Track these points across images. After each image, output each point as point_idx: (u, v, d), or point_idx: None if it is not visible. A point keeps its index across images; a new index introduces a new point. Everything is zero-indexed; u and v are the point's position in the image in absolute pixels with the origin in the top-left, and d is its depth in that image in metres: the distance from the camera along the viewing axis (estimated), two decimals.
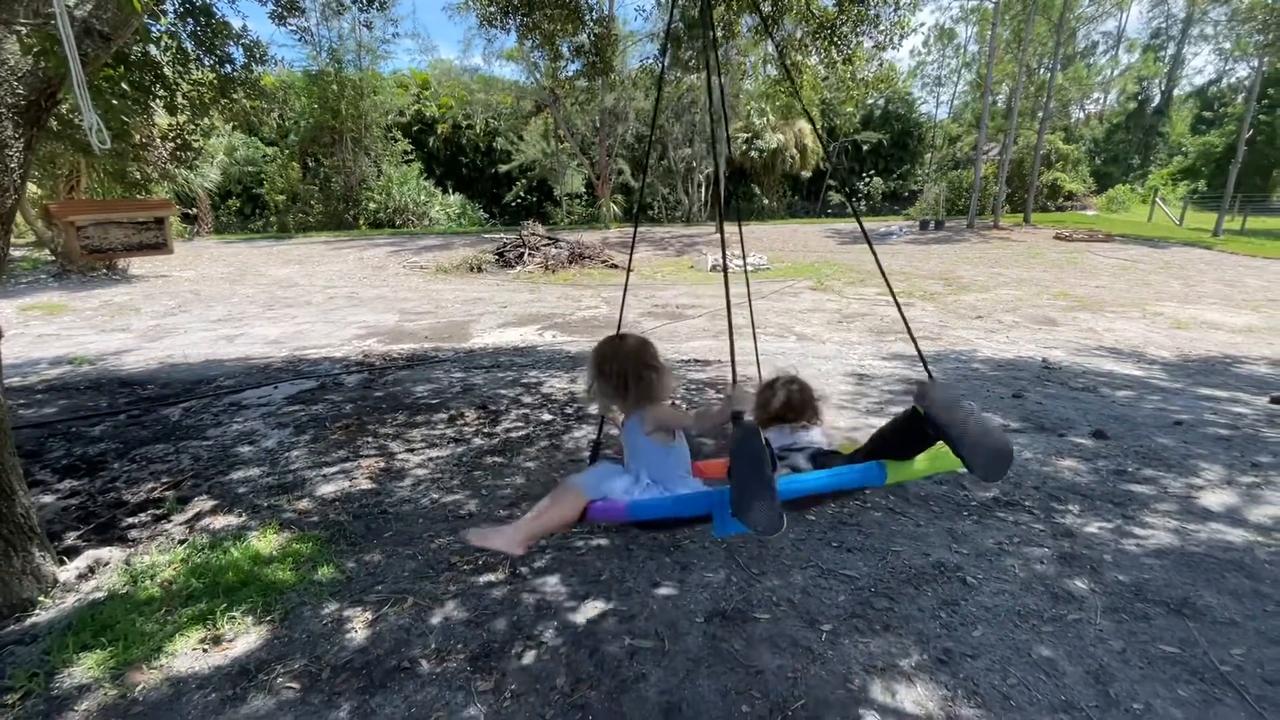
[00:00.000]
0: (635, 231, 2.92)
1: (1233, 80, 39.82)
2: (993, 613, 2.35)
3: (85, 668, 2.12)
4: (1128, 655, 2.10)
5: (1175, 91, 42.39)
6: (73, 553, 2.92)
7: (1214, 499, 3.38)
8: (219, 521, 3.23)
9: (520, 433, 4.56)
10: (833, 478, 1.72)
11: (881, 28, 7.05)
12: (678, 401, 5.07)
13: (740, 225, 3.30)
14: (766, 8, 6.13)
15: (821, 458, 1.96)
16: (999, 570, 2.65)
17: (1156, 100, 41.94)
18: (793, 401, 2.20)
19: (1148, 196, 31.79)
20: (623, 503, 1.76)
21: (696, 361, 6.79)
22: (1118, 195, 32.04)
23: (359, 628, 2.34)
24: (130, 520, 3.28)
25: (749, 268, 15.88)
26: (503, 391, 5.60)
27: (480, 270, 16.18)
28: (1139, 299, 11.41)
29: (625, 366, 1.86)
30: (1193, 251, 18.11)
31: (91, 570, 2.79)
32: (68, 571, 2.75)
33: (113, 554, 2.91)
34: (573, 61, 7.61)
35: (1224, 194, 22.79)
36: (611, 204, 28.90)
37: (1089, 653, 2.12)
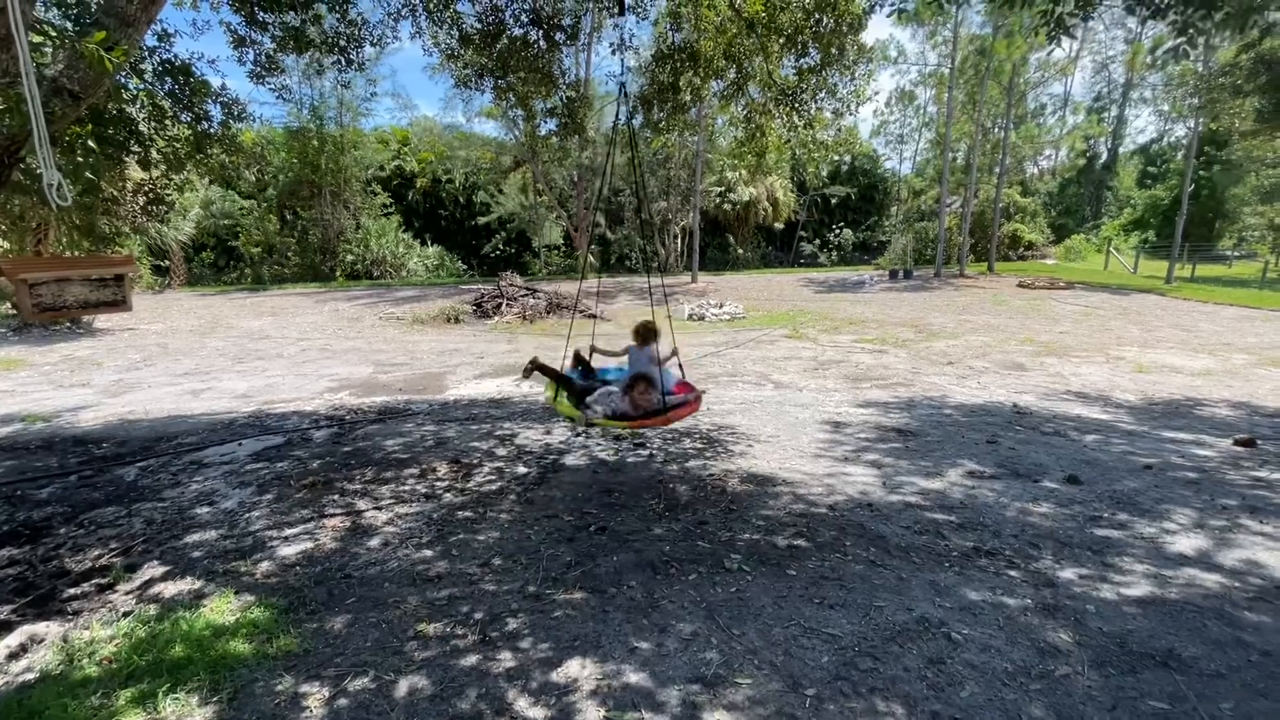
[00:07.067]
0: (580, 285, 2.93)
1: (1172, 139, 42.59)
2: (980, 670, 2.28)
3: None
4: (1119, 714, 2.05)
5: (1121, 149, 45.11)
6: (5, 629, 2.71)
7: (1188, 544, 3.39)
8: (169, 590, 3.04)
9: (493, 486, 4.44)
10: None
11: (839, 96, 7.51)
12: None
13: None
14: (731, 74, 6.45)
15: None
16: (983, 624, 2.59)
17: (1104, 157, 44.50)
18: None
19: (1102, 246, 33.28)
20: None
21: None
22: (1074, 245, 33.49)
23: (315, 706, 2.18)
24: (72, 591, 3.07)
25: (725, 316, 16.09)
26: (476, 444, 5.48)
27: (457, 321, 16.12)
28: (1101, 344, 11.76)
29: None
30: (1148, 298, 18.85)
31: (24, 648, 2.58)
32: None
33: (49, 629, 2.71)
34: (546, 121, 7.86)
35: (1172, 243, 23.97)
36: (590, 255, 29.29)
37: (1080, 712, 2.06)
